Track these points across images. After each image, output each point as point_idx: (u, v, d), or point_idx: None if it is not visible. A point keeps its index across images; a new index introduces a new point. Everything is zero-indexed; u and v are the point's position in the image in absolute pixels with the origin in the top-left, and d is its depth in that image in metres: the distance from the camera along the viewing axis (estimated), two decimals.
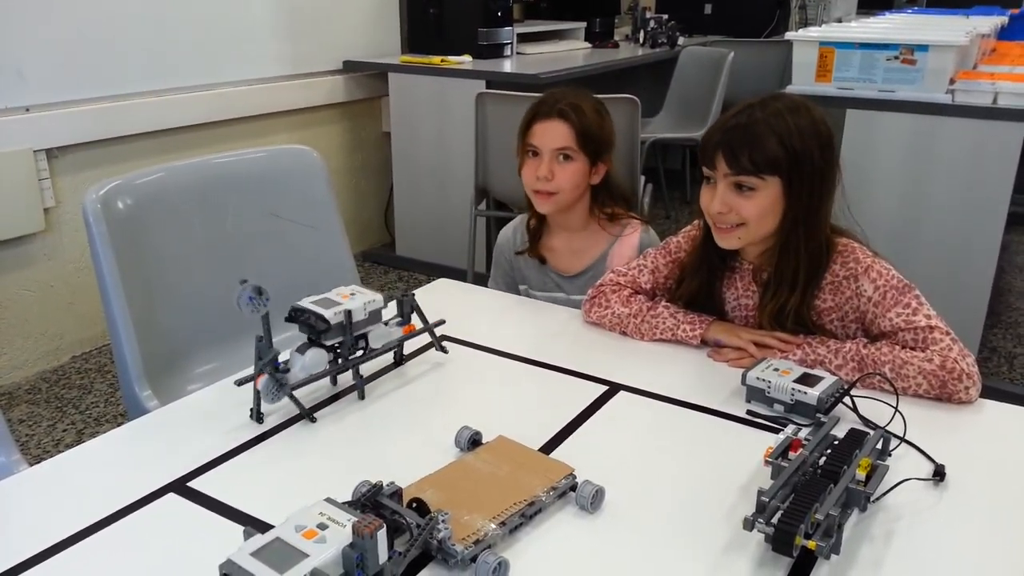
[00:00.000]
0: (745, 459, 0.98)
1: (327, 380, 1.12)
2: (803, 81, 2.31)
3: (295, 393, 1.05)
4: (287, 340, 1.09)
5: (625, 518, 0.87)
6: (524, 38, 3.69)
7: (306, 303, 1.07)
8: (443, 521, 0.77)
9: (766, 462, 0.88)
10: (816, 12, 4.93)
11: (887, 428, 0.95)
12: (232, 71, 2.91)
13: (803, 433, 0.92)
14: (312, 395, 1.11)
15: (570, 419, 1.07)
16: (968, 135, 2.12)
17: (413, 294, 1.21)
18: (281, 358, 1.05)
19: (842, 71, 2.24)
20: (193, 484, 0.93)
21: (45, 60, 2.40)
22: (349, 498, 0.86)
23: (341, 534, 0.66)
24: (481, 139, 2.37)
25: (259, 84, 3.01)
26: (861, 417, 1.04)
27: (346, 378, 1.13)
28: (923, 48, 2.12)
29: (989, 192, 2.12)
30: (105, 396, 2.46)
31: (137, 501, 0.90)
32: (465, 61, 3.14)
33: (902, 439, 0.99)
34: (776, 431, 1.04)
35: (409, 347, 1.23)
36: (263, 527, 0.83)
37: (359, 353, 1.11)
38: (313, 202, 1.43)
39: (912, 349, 1.13)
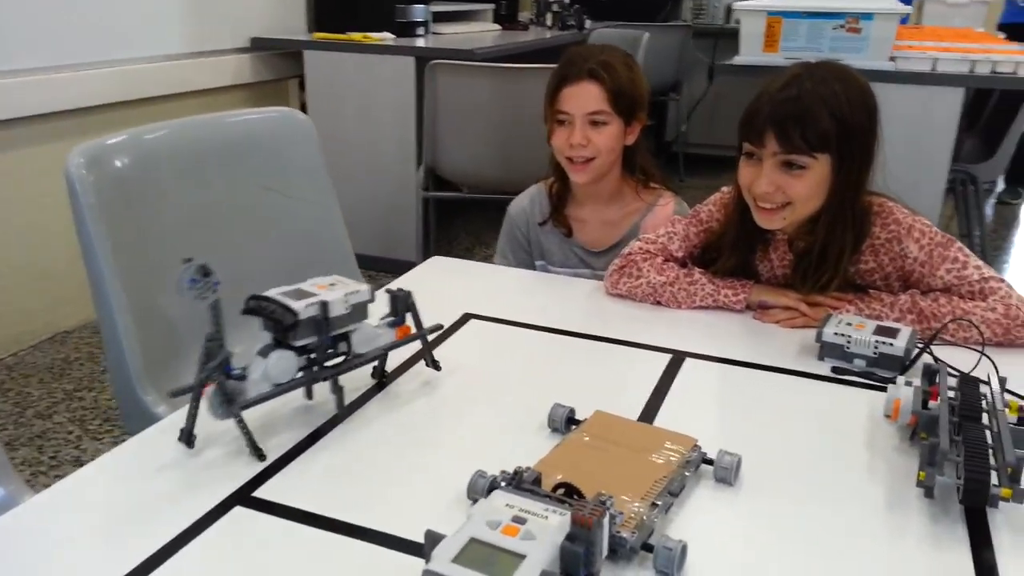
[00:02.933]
0: (853, 416, 0.93)
1: (300, 391, 0.89)
2: (750, 51, 2.32)
3: (249, 411, 0.81)
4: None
5: (765, 488, 0.80)
6: (436, 18, 3.56)
7: (272, 293, 0.86)
8: (609, 508, 0.67)
9: (921, 410, 0.82)
10: None
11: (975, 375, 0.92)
12: (133, 47, 2.62)
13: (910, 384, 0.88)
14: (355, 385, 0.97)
15: (650, 391, 0.99)
16: (910, 100, 2.20)
17: (410, 290, 0.96)
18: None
19: (790, 40, 2.26)
20: (258, 494, 0.78)
21: None
22: (463, 490, 0.76)
23: (548, 527, 0.55)
24: (431, 115, 2.23)
25: (162, 62, 2.73)
26: (940, 362, 1.01)
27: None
28: (868, 16, 2.18)
29: (932, 154, 2.20)
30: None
31: (202, 519, 0.74)
32: (387, 38, 2.97)
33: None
34: (861, 386, 1.00)
35: (394, 358, 0.99)
36: (352, 529, 0.72)
37: (338, 360, 0.89)
38: (306, 173, 1.26)
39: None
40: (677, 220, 1.31)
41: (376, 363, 0.97)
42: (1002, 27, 4.16)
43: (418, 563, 0.68)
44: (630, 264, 1.27)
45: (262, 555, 0.70)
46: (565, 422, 0.88)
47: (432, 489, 0.79)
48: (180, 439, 0.82)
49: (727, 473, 0.79)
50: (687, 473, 0.78)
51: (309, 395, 0.92)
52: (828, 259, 1.16)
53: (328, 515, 0.75)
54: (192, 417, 0.82)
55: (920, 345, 1.03)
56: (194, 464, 0.82)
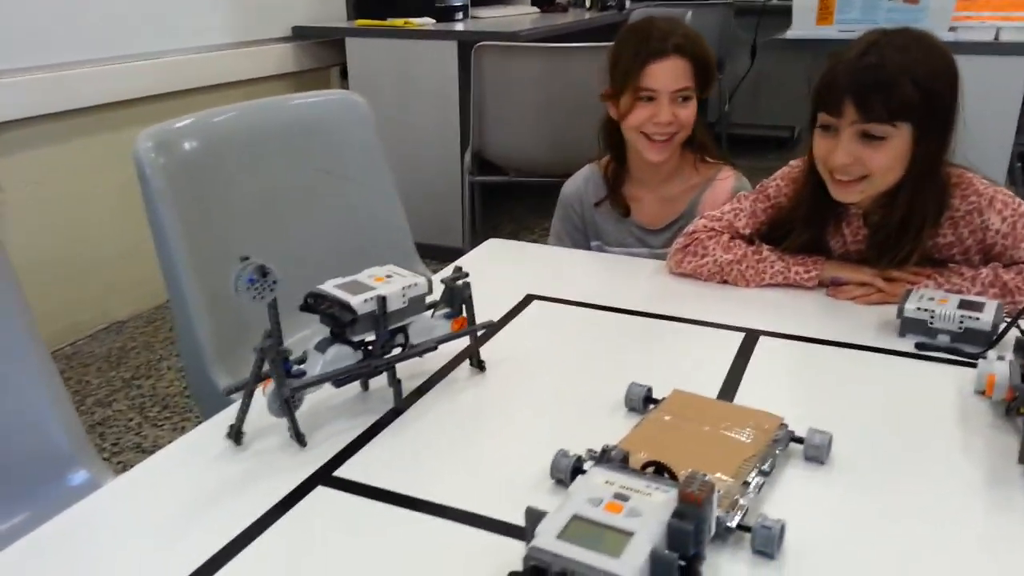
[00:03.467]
0: (941, 393, 0.89)
1: (357, 385, 0.89)
2: (803, 25, 2.26)
3: (309, 403, 0.83)
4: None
5: (858, 467, 0.77)
6: (475, 2, 3.53)
7: (328, 287, 0.84)
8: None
9: (1020, 384, 0.78)
10: None
11: None
12: (176, 39, 2.64)
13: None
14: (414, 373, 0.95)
15: (726, 370, 0.96)
16: (972, 72, 2.11)
17: (468, 281, 0.92)
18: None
19: (844, 12, 2.20)
20: (339, 473, 0.77)
21: None
22: (544, 470, 0.74)
23: (653, 504, 0.53)
24: (477, 98, 2.21)
25: (206, 52, 2.75)
26: None
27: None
28: None
29: (996, 128, 2.12)
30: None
31: (286, 499, 0.73)
32: (428, 23, 2.96)
33: None
34: (946, 362, 0.97)
35: (434, 360, 0.94)
36: (435, 508, 0.71)
37: (395, 351, 0.87)
38: (364, 156, 1.25)
39: None
40: (743, 196, 1.28)
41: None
42: None
43: (503, 541, 0.67)
44: (695, 242, 1.24)
45: (348, 533, 0.69)
46: (643, 401, 0.86)
47: (513, 469, 0.77)
48: (228, 435, 0.81)
49: (819, 452, 0.76)
50: (777, 452, 0.76)
51: (365, 387, 0.91)
52: (908, 232, 1.12)
53: (410, 494, 0.74)
54: (243, 414, 0.80)
55: (1008, 319, 0.98)
56: (270, 446, 0.81)
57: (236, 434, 0.81)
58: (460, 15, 3.30)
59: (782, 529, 0.64)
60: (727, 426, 0.79)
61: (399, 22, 2.90)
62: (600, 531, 0.51)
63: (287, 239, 1.09)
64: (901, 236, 1.13)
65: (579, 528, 0.51)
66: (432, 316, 0.91)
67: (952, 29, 2.14)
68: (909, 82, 1.04)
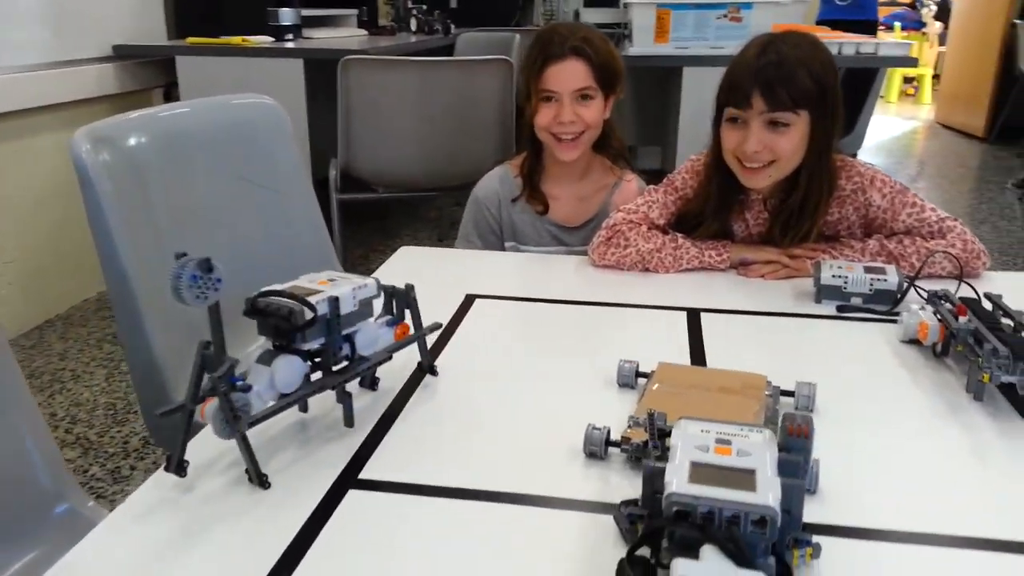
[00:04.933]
0: (875, 346, 1.01)
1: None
2: (643, 43, 2.44)
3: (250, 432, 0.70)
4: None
5: (841, 411, 0.85)
6: (305, 23, 3.46)
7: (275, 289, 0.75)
8: None
9: (956, 325, 0.90)
10: (556, 4, 5.22)
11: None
12: None
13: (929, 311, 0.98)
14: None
15: (687, 344, 1.03)
16: None
17: (411, 284, 0.87)
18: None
19: (678, 31, 2.40)
20: (364, 475, 0.74)
21: None
22: (571, 446, 0.76)
23: (756, 443, 0.57)
24: (344, 114, 2.16)
25: (19, 72, 2.48)
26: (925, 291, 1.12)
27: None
28: (748, 6, 2.35)
29: None
30: None
31: (320, 509, 0.69)
32: (266, 41, 2.86)
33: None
34: (861, 320, 1.09)
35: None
36: (477, 494, 0.71)
37: (343, 364, 0.79)
38: (280, 164, 1.19)
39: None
40: (653, 189, 1.36)
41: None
42: (819, 23, 4.60)
43: (555, 514, 0.68)
44: (617, 235, 1.30)
45: (398, 529, 0.67)
46: (635, 375, 0.90)
47: (540, 446, 0.78)
48: (167, 468, 0.70)
49: (808, 401, 0.84)
50: (776, 406, 0.82)
51: (305, 408, 0.81)
52: (806, 212, 1.25)
53: (446, 484, 0.72)
54: (185, 440, 0.69)
55: (907, 280, 1.13)
56: (286, 457, 0.76)
57: (177, 465, 0.70)
58: (291, 35, 3.22)
59: (817, 465, 0.70)
60: (723, 388, 0.85)
61: (236, 40, 2.78)
62: (724, 472, 0.54)
63: (214, 248, 1.01)
64: (801, 216, 1.26)
65: (703, 473, 0.54)
66: (374, 324, 0.83)
67: None
68: (806, 73, 1.17)
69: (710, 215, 1.30)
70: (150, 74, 3.00)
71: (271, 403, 0.72)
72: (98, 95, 2.80)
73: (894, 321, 1.06)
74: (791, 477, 0.55)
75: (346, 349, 0.79)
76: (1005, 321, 0.91)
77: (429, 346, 0.98)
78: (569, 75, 1.42)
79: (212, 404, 0.68)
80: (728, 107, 1.22)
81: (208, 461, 0.75)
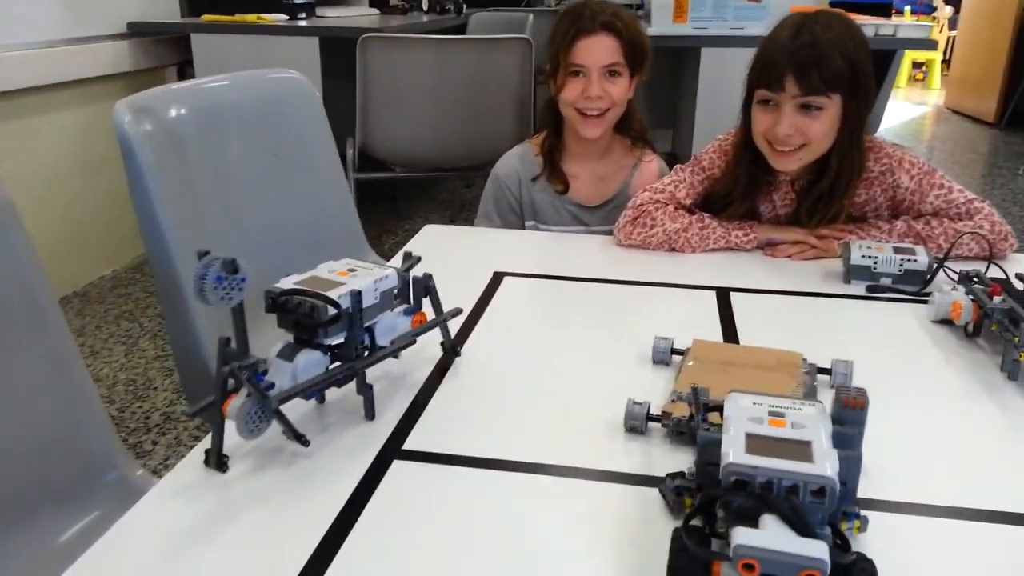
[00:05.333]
0: (906, 325, 1.02)
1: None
2: (661, 23, 2.42)
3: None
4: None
5: (878, 390, 0.84)
6: (317, 1, 3.44)
7: (286, 283, 0.73)
8: None
9: (991, 305, 0.90)
10: None
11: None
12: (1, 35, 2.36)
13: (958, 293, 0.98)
14: None
15: (718, 322, 1.03)
16: None
17: (429, 273, 0.85)
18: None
19: (697, 11, 2.38)
20: (408, 446, 0.75)
21: None
22: (609, 420, 0.77)
23: (809, 416, 0.57)
24: (362, 92, 2.15)
25: (35, 49, 2.47)
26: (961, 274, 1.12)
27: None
28: None
29: None
30: None
31: (367, 479, 0.70)
32: (281, 19, 2.84)
33: None
34: (891, 301, 1.10)
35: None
36: (520, 466, 0.72)
37: (364, 354, 0.77)
38: (311, 139, 1.19)
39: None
40: (680, 168, 1.36)
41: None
42: (833, 5, 4.56)
43: (599, 486, 0.69)
44: (643, 214, 1.30)
45: (445, 499, 0.68)
46: (670, 353, 0.90)
47: (579, 421, 0.79)
48: (207, 463, 0.70)
49: (845, 379, 0.84)
50: (813, 383, 0.83)
51: (322, 399, 0.81)
52: (836, 194, 1.25)
53: (489, 456, 0.73)
54: (219, 437, 0.69)
55: (938, 260, 1.13)
56: (328, 432, 0.77)
57: (217, 459, 0.69)
58: (304, 13, 3.21)
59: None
60: (759, 365, 0.85)
61: (251, 17, 2.77)
62: (780, 444, 0.54)
63: (249, 219, 1.02)
64: (830, 197, 1.26)
65: (760, 444, 0.54)
66: (392, 313, 0.81)
67: None
68: (839, 56, 1.16)
69: (738, 196, 1.30)
70: (164, 52, 2.99)
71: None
72: (112, 72, 2.79)
73: (924, 301, 1.07)
74: (846, 449, 0.55)
75: (366, 340, 0.78)
76: None
77: (460, 324, 0.99)
78: (599, 50, 1.41)
79: (235, 401, 0.66)
80: (760, 89, 1.21)
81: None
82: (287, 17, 2.89)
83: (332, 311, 0.71)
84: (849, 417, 0.56)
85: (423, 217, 3.60)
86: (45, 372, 0.72)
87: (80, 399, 0.74)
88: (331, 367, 0.74)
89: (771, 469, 0.51)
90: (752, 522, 0.50)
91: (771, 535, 0.48)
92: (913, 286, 1.12)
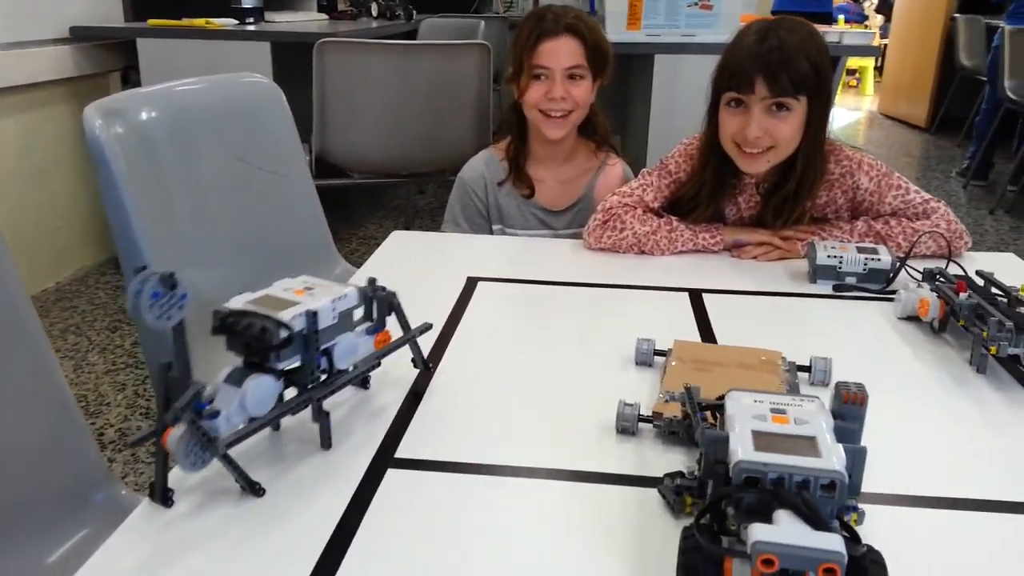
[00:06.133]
0: (873, 322, 1.05)
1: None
2: (615, 30, 2.45)
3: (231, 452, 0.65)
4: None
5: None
6: (266, 6, 3.39)
7: (238, 303, 0.68)
8: None
9: (958, 301, 0.93)
10: None
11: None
12: None
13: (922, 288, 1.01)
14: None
15: (694, 323, 1.04)
16: None
17: (393, 291, 0.79)
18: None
19: (650, 19, 2.42)
20: (400, 454, 0.74)
21: None
22: (599, 422, 0.77)
23: (810, 412, 0.58)
24: (319, 98, 2.12)
25: None
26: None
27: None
28: None
29: None
30: None
31: (362, 488, 0.69)
32: (230, 23, 2.79)
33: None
34: (856, 299, 1.13)
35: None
36: (514, 471, 0.72)
37: (322, 378, 0.72)
38: (282, 142, 1.16)
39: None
40: (647, 172, 1.38)
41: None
42: (774, 13, 4.69)
43: (596, 488, 0.69)
44: (613, 218, 1.32)
45: (443, 506, 0.67)
46: (652, 354, 0.91)
47: (569, 424, 0.79)
48: (152, 497, 0.65)
49: (824, 375, 0.86)
50: (795, 380, 0.84)
51: (277, 427, 0.75)
52: (800, 195, 1.28)
53: (483, 462, 0.73)
54: (163, 468, 0.64)
55: (900, 259, 1.17)
56: (313, 445, 0.76)
57: (162, 494, 0.64)
58: (253, 18, 3.15)
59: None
60: (742, 364, 0.87)
61: (199, 22, 2.71)
62: (785, 440, 0.55)
63: (215, 231, 0.99)
64: (794, 200, 1.29)
65: (766, 441, 0.55)
66: (352, 334, 0.75)
67: None
68: (804, 59, 1.20)
69: (704, 199, 1.32)
70: (107, 57, 2.91)
71: (241, 426, 0.66)
72: (55, 78, 2.70)
73: (888, 299, 1.10)
74: (847, 442, 0.57)
75: (323, 364, 0.72)
76: (998, 296, 0.95)
77: (440, 329, 0.98)
78: (562, 52, 1.43)
79: (174, 433, 0.61)
80: (729, 92, 1.24)
81: (247, 446, 0.74)
82: (236, 21, 2.84)
83: (284, 333, 0.65)
84: (849, 412, 0.58)
85: (376, 224, 3.57)
86: (28, 388, 0.69)
87: (64, 416, 0.71)
88: (288, 393, 0.69)
89: (782, 465, 0.52)
90: (763, 518, 0.51)
91: (787, 530, 0.49)
92: (877, 284, 1.15)
